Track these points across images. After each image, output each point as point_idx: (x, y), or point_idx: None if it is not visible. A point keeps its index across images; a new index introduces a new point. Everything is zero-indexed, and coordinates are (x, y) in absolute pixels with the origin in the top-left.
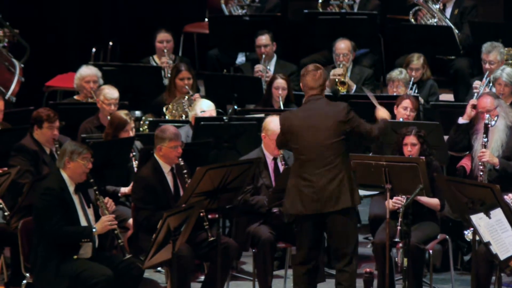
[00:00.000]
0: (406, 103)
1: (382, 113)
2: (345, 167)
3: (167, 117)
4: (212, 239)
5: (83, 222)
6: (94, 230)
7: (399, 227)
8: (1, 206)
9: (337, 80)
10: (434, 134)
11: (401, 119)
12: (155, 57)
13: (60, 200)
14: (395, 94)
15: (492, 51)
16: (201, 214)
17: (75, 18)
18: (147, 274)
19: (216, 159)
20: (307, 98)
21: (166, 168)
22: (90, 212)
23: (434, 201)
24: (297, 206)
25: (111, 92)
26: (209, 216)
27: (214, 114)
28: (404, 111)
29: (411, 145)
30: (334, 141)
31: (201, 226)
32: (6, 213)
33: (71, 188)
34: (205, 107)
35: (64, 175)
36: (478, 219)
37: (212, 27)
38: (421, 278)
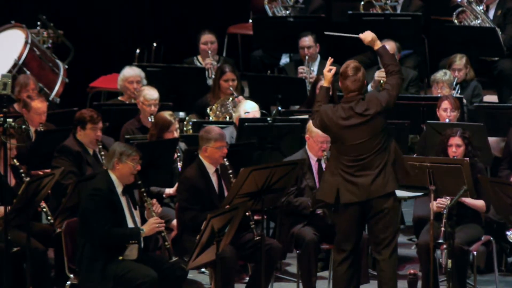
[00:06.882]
0: (445, 104)
1: (369, 37)
2: (385, 161)
3: (211, 118)
4: (257, 238)
5: (130, 224)
6: (142, 231)
7: (443, 229)
8: (44, 209)
9: (382, 81)
10: (478, 136)
11: (447, 120)
12: (199, 57)
13: (108, 201)
14: (439, 95)
15: None
16: (247, 213)
17: (119, 19)
18: (191, 275)
19: (260, 160)
20: (345, 98)
21: (211, 169)
22: (136, 214)
23: (480, 203)
24: (346, 195)
25: (150, 93)
26: (254, 217)
27: (258, 115)
28: (445, 112)
29: (456, 146)
30: (375, 138)
31: (246, 227)
32: (49, 217)
33: (119, 190)
34: (249, 108)
35: (113, 176)
36: None
37: (256, 28)
38: (465, 279)
